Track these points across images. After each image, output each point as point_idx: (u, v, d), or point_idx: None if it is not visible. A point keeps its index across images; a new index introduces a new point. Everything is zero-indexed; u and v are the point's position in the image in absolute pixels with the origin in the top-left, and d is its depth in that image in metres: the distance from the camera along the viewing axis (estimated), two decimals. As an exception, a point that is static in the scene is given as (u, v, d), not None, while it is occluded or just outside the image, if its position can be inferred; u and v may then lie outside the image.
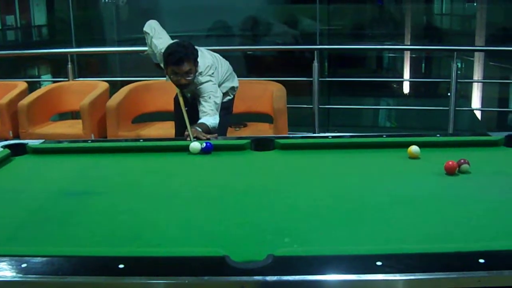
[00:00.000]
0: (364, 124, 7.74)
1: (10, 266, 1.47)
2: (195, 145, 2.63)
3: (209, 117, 3.17)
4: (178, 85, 3.26)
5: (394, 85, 8.62)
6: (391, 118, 8.10)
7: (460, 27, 9.86)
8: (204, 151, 2.61)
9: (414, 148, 2.44)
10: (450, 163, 2.22)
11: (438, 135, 2.73)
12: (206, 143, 2.64)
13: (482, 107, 7.47)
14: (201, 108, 3.25)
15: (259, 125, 4.89)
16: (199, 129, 2.96)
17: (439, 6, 9.77)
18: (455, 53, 5.15)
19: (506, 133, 2.65)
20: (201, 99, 3.28)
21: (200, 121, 3.15)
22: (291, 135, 3.88)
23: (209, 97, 3.26)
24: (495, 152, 2.54)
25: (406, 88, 8.41)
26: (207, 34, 7.64)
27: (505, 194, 2.02)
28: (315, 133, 5.24)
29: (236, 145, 2.65)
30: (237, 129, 4.77)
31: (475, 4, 8.73)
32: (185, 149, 2.65)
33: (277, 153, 2.61)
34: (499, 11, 8.12)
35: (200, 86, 3.29)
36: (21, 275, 1.43)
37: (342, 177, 2.28)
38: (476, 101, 7.56)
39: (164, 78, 3.56)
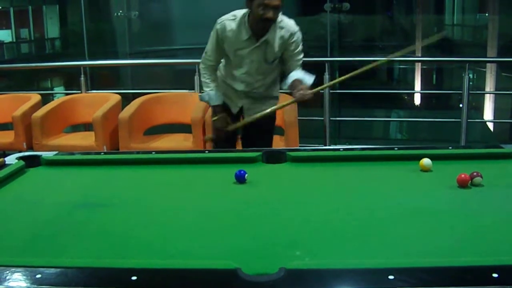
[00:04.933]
0: (375, 136, 7.73)
1: (24, 277, 1.48)
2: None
3: (307, 74, 3.25)
4: (264, 19, 3.11)
5: (405, 97, 8.61)
6: (402, 130, 8.08)
7: (471, 38, 9.84)
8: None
9: (426, 161, 2.43)
10: (463, 175, 2.21)
11: (450, 148, 2.73)
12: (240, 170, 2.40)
13: (494, 118, 7.43)
14: (293, 64, 3.31)
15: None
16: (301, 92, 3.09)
17: (450, 17, 9.76)
18: (467, 64, 5.14)
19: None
20: (291, 60, 3.31)
21: (295, 77, 3.23)
22: (302, 148, 3.89)
23: (300, 62, 3.32)
24: (508, 165, 2.53)
25: (417, 100, 8.40)
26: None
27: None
28: (326, 145, 5.23)
29: (248, 158, 2.66)
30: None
31: (486, 14, 8.71)
32: (197, 161, 2.67)
33: (288, 165, 2.61)
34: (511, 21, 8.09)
35: (298, 47, 3.30)
36: (35, 286, 1.45)
37: (354, 190, 2.28)
38: (488, 113, 7.52)
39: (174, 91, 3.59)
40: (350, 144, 6.36)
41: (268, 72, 3.38)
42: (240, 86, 3.41)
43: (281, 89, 3.54)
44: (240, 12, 3.26)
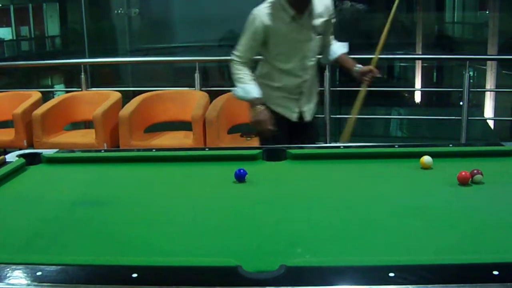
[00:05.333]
0: (376, 134, 7.72)
1: (25, 274, 1.48)
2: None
3: (342, 44, 3.38)
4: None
5: (406, 95, 8.61)
6: (402, 127, 8.08)
7: (472, 36, 9.83)
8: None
9: (426, 159, 2.43)
10: (463, 173, 2.21)
11: (450, 145, 2.72)
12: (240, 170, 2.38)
13: (495, 116, 7.42)
14: (330, 35, 3.36)
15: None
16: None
17: (451, 15, 9.75)
18: (468, 62, 5.14)
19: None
20: (330, 30, 3.33)
21: (341, 51, 3.34)
22: (303, 145, 3.88)
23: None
24: (508, 163, 2.53)
25: (418, 98, 8.39)
26: (219, 45, 7.68)
27: (519, 204, 2.01)
28: (326, 143, 5.23)
29: (248, 155, 2.66)
30: (249, 138, 4.79)
31: (487, 12, 8.70)
32: (198, 159, 2.67)
33: (289, 163, 2.61)
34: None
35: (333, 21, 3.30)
36: (36, 283, 1.45)
37: (354, 187, 2.27)
38: (488, 111, 7.52)
39: (174, 89, 3.57)
40: (350, 141, 6.34)
41: (316, 52, 3.29)
42: (295, 82, 3.25)
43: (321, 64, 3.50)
44: None
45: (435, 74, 9.33)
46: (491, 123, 7.52)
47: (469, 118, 5.08)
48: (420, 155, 2.48)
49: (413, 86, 8.39)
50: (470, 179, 2.21)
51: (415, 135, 7.79)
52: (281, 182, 2.38)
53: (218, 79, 8.10)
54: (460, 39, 9.83)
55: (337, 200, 2.12)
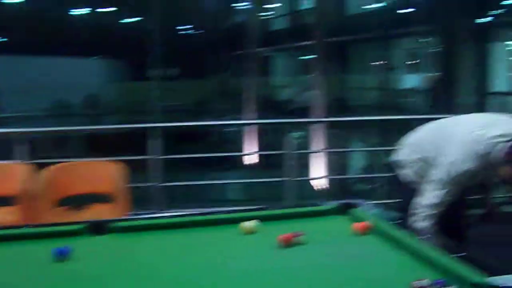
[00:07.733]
0: (208, 198, 7.76)
1: None
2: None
3: None
4: None
5: (239, 158, 8.85)
6: (235, 191, 8.25)
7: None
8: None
9: (246, 224, 2.48)
10: (285, 235, 2.29)
11: (272, 208, 2.81)
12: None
13: (323, 175, 7.82)
14: None
15: (98, 206, 4.70)
16: None
17: (277, 79, 10.34)
18: (287, 126, 5.40)
19: (337, 202, 2.78)
20: None
21: None
22: (129, 217, 3.78)
23: None
24: (327, 221, 2.67)
25: (248, 160, 8.66)
26: (46, 114, 7.38)
27: (338, 260, 2.14)
28: (160, 211, 5.15)
29: (72, 231, 2.52)
30: (80, 210, 4.57)
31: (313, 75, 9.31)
32: (16, 238, 2.47)
33: (115, 236, 2.51)
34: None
35: None
36: None
37: (181, 258, 2.26)
38: (317, 170, 7.93)
39: None
40: (184, 208, 6.31)
41: None
42: None
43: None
44: None
45: (267, 137, 9.69)
46: (318, 183, 7.92)
47: (291, 179, 5.24)
48: (247, 219, 2.52)
49: (241, 150, 8.63)
50: (292, 240, 2.29)
51: (247, 197, 7.98)
52: (106, 257, 2.29)
53: (47, 150, 7.74)
54: (287, 102, 10.35)
55: (163, 272, 2.09)
